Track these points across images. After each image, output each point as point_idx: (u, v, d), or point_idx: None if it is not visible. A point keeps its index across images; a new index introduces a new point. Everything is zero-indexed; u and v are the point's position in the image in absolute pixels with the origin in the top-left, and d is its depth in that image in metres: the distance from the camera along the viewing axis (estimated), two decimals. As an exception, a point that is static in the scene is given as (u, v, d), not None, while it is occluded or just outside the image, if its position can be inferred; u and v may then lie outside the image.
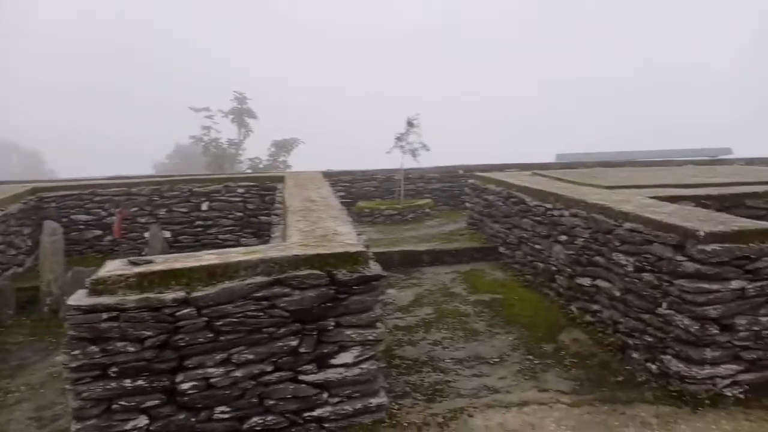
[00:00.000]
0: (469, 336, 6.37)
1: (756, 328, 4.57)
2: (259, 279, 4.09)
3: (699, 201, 6.58)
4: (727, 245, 4.54)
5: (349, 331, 4.29)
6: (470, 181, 11.12)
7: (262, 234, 9.70)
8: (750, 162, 13.39)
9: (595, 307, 6.11)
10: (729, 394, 4.56)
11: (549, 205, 7.34)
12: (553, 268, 7.13)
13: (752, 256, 4.56)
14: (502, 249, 9.10)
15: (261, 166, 32.43)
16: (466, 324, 6.72)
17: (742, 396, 4.55)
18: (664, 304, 4.90)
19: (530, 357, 5.75)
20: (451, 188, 14.41)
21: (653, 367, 5.02)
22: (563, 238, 6.86)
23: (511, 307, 7.16)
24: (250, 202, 10.70)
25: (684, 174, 9.25)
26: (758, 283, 4.56)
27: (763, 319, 4.58)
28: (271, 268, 4.14)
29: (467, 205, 11.21)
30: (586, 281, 6.30)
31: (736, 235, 4.60)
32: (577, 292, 6.53)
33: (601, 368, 5.40)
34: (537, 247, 7.67)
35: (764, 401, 4.53)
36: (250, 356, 4.06)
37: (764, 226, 4.72)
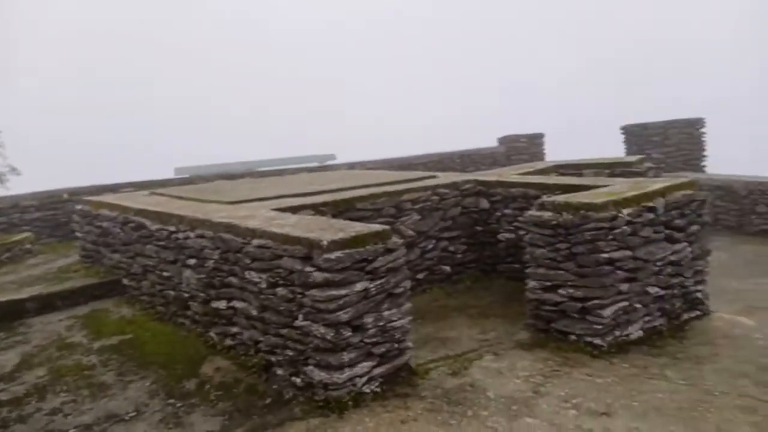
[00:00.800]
0: (96, 393, 5.43)
1: (381, 324, 4.91)
2: None
3: (317, 209, 6.91)
4: (348, 251, 4.76)
5: None
6: (78, 206, 9.72)
7: None
8: (352, 166, 15.06)
9: (235, 329, 5.85)
10: (367, 390, 4.80)
11: (173, 228, 6.79)
12: (186, 294, 6.62)
13: (370, 258, 4.88)
14: (126, 281, 8.14)
15: None
16: (91, 379, 5.73)
17: (378, 390, 4.84)
18: (300, 316, 4.91)
19: (172, 401, 5.16)
20: (56, 216, 12.48)
21: (298, 380, 5.00)
22: (192, 261, 6.41)
23: (144, 346, 6.39)
24: None
25: (302, 182, 9.75)
26: (378, 282, 4.91)
27: (386, 313, 4.95)
28: None
29: (78, 235, 9.78)
30: (222, 304, 5.98)
31: (354, 240, 4.85)
32: (214, 317, 6.16)
33: (249, 394, 5.16)
34: (165, 274, 7.03)
35: (397, 389, 4.90)
36: None
37: (376, 229, 5.10)
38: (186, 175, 15.48)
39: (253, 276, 5.41)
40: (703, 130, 15.56)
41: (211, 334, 6.23)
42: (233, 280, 5.76)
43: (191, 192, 9.08)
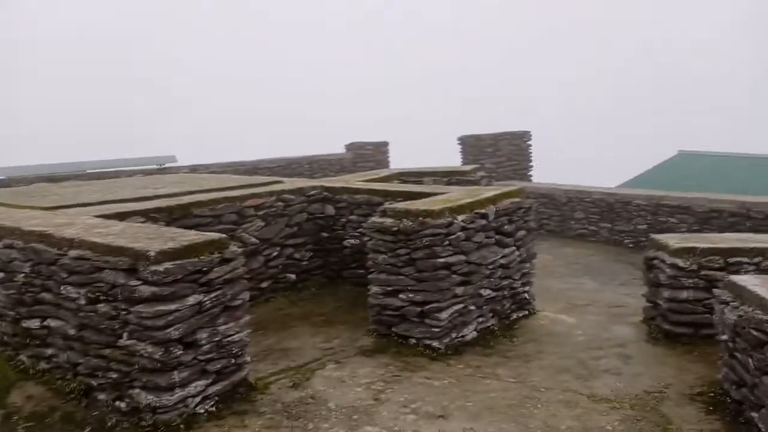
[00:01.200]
0: None
1: (217, 339, 4.64)
2: None
3: (149, 215, 6.43)
4: (179, 262, 4.43)
5: None
6: None
7: None
8: (194, 169, 14.30)
9: (50, 351, 5.23)
10: (201, 411, 4.51)
11: (-25, 238, 5.93)
12: (-9, 314, 5.81)
13: (204, 269, 4.59)
14: None
15: None
16: None
17: (213, 409, 4.57)
18: (125, 335, 4.49)
19: (-32, 439, 4.48)
20: None
21: (122, 405, 4.56)
22: (0, 276, 5.64)
23: (-66, 376, 5.49)
24: None
25: (134, 186, 9.04)
26: (213, 294, 4.63)
27: (222, 327, 4.69)
28: None
29: None
30: (34, 323, 5.31)
31: (186, 250, 4.53)
32: (26, 338, 5.46)
33: (65, 423, 4.63)
34: (-35, 291, 6.12)
35: (234, 407, 4.66)
36: None
37: (211, 237, 4.82)
38: (1, 176, 13.78)
39: (70, 291, 4.86)
40: (529, 142, 16.84)
41: (22, 357, 5.52)
42: (47, 296, 5.14)
43: (2, 196, 8.05)
